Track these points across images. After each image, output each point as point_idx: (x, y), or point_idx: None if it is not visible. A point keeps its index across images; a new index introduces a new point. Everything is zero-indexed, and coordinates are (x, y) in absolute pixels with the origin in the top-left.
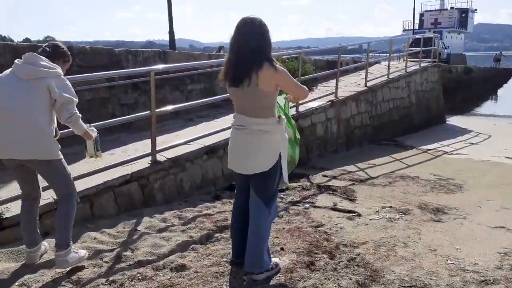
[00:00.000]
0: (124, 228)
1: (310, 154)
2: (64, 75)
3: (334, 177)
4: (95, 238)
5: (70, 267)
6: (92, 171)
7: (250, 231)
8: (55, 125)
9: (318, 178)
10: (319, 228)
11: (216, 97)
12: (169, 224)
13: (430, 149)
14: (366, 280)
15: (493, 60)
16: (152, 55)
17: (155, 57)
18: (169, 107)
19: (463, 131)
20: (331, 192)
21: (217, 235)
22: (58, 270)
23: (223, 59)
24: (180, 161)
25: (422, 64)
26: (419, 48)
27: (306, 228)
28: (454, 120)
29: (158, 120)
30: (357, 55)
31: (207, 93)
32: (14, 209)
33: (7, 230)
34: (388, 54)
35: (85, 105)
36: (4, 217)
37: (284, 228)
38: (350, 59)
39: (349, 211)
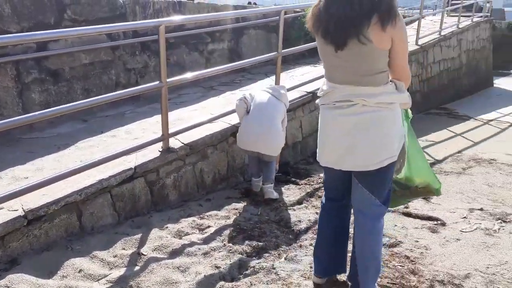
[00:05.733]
0: (124, 249)
1: None
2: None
3: None
4: (80, 271)
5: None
6: (81, 166)
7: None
8: None
9: None
10: (396, 250)
11: (244, 61)
12: (186, 242)
13: (490, 120)
14: None
15: None
16: (165, 7)
17: (169, 9)
18: (185, 75)
19: None
20: None
21: (253, 263)
22: None
23: (251, 10)
24: (199, 146)
25: (475, 19)
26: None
27: None
28: (502, 83)
29: (172, 89)
30: None
31: (231, 55)
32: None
33: None
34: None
35: (81, 71)
36: None
37: None
38: None
39: (429, 218)
